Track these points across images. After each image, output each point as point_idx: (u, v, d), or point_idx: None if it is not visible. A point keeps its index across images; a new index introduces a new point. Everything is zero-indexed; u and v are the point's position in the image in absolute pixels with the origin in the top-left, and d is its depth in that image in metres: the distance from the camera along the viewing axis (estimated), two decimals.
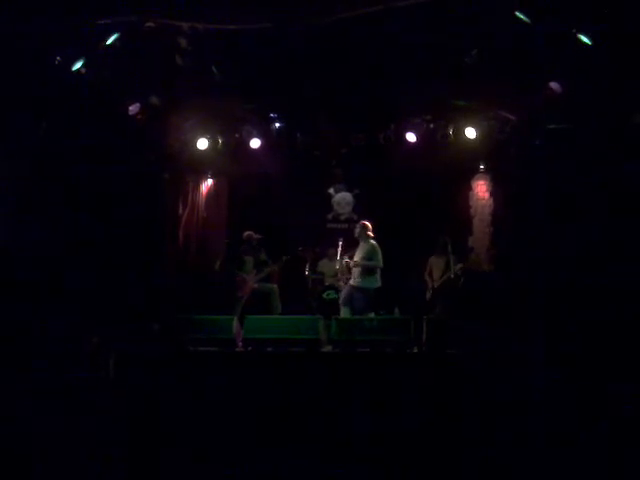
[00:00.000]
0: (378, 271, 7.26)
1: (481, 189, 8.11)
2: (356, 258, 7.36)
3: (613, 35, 6.01)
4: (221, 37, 6.65)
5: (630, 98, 6.53)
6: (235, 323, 6.94)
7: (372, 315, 7.17)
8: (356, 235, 7.48)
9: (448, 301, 7.52)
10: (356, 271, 7.33)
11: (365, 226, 7.43)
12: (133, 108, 7.52)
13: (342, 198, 8.75)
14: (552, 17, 6.02)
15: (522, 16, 5.95)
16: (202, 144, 8.44)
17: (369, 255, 7.27)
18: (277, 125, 8.31)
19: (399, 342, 6.33)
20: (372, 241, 7.35)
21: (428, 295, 7.87)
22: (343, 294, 7.45)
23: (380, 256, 7.31)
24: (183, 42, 6.67)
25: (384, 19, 6.14)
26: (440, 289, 7.70)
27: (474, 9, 5.89)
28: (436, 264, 7.84)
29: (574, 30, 6.10)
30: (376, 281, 7.24)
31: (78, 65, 6.66)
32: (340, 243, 7.84)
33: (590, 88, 6.53)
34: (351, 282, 7.38)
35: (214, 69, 7.08)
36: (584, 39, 6.12)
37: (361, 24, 6.24)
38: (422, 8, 5.87)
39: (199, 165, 8.82)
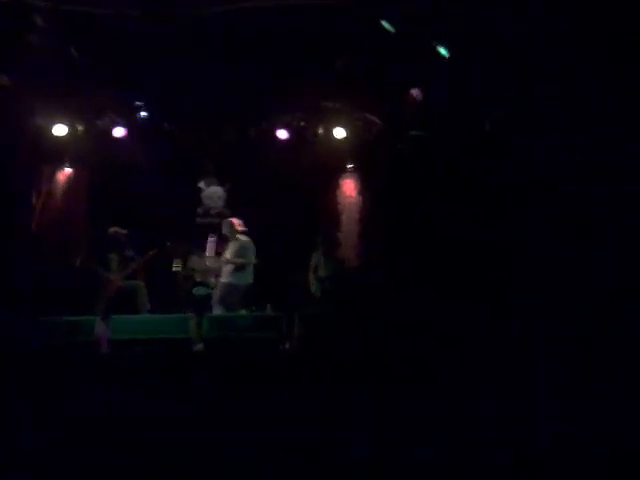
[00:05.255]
0: (250, 267, 7.27)
1: (349, 187, 8.41)
2: (227, 255, 7.29)
3: (471, 45, 6.53)
4: (83, 19, 6.28)
5: (485, 105, 7.13)
6: (99, 324, 6.59)
7: (243, 312, 7.19)
8: (224, 232, 7.41)
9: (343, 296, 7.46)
10: (227, 268, 7.28)
11: (232, 223, 7.38)
12: None
13: (213, 192, 8.52)
14: (414, 26, 6.41)
15: (387, 25, 6.28)
16: (59, 130, 7.84)
17: (240, 252, 7.25)
18: (142, 114, 7.95)
19: (271, 339, 6.42)
20: (243, 237, 7.33)
21: (314, 290, 7.72)
22: (216, 294, 7.32)
23: (251, 252, 7.32)
24: (38, 20, 6.25)
25: (260, 16, 6.15)
26: (332, 284, 7.63)
27: (344, 15, 6.10)
28: (320, 260, 7.77)
29: (433, 42, 6.55)
30: (248, 277, 7.26)
31: None
32: (210, 239, 7.71)
33: (447, 96, 7.04)
34: (222, 279, 7.32)
35: (73, 50, 6.63)
36: (442, 50, 6.60)
37: (237, 18, 6.19)
38: (296, 10, 5.97)
39: (56, 153, 8.17)
